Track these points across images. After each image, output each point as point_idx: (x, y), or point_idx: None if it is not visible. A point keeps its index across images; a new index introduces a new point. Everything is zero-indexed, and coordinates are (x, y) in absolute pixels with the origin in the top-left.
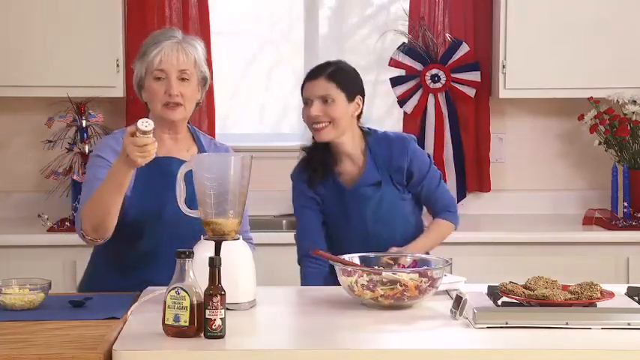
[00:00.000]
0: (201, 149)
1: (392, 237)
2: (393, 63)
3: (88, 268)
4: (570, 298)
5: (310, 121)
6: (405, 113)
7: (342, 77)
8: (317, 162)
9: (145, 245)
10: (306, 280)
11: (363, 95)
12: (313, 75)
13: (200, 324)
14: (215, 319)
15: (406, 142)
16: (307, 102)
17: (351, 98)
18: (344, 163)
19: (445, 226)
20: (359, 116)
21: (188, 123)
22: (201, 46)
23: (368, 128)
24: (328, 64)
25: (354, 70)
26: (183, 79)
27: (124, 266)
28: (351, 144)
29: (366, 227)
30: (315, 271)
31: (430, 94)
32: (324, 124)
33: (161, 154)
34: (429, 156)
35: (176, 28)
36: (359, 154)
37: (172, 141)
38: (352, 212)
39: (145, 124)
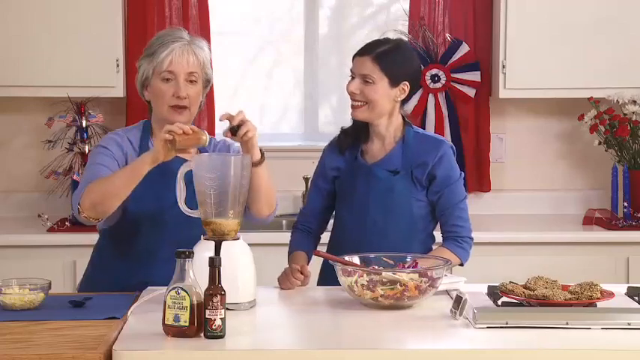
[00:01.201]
0: (201, 149)
1: (390, 230)
2: None
3: (87, 268)
4: (570, 298)
5: (349, 96)
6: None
7: (389, 60)
8: (352, 130)
9: (145, 245)
10: (292, 243)
11: (412, 81)
12: (362, 51)
13: (200, 324)
14: (215, 319)
15: (441, 143)
16: (351, 76)
17: (395, 83)
18: (373, 143)
19: (448, 257)
20: (404, 101)
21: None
22: (208, 47)
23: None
24: (384, 41)
25: (410, 53)
26: (190, 82)
27: (123, 266)
28: (385, 127)
29: (367, 211)
30: (302, 234)
31: (430, 94)
32: (359, 103)
33: None
34: (461, 174)
35: (182, 28)
36: (391, 141)
37: None
38: (359, 190)
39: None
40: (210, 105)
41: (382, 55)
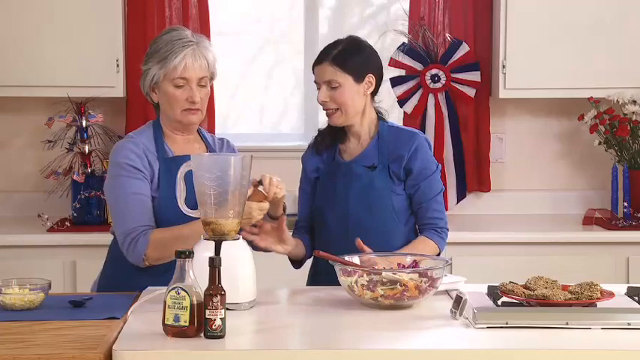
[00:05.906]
0: (208, 146)
1: (372, 226)
2: (393, 63)
3: (106, 270)
4: (570, 298)
5: (321, 106)
6: (405, 113)
7: (347, 59)
8: (329, 130)
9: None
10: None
11: (376, 72)
12: (319, 59)
13: (200, 324)
14: (215, 319)
15: (415, 136)
16: (317, 86)
17: (359, 78)
18: (350, 142)
19: (430, 247)
20: (374, 94)
21: None
22: (211, 45)
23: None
24: (335, 44)
25: (367, 46)
26: (201, 86)
27: (150, 268)
28: (359, 125)
29: (348, 207)
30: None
31: (430, 94)
32: (332, 110)
33: (177, 152)
34: (437, 166)
35: (184, 27)
36: (366, 137)
37: (184, 141)
38: (339, 187)
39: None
40: (211, 105)
41: (338, 56)
